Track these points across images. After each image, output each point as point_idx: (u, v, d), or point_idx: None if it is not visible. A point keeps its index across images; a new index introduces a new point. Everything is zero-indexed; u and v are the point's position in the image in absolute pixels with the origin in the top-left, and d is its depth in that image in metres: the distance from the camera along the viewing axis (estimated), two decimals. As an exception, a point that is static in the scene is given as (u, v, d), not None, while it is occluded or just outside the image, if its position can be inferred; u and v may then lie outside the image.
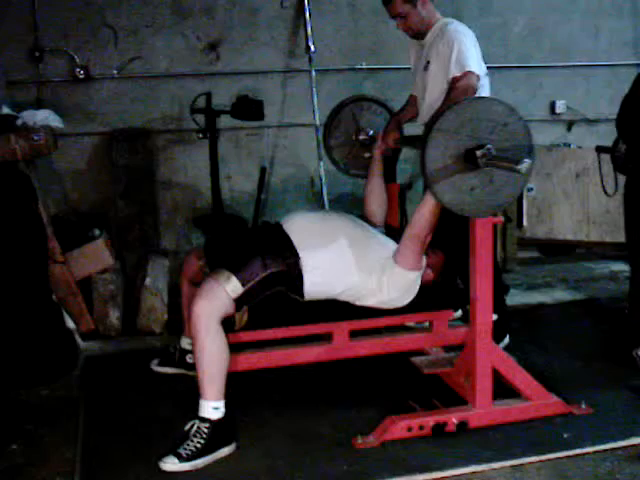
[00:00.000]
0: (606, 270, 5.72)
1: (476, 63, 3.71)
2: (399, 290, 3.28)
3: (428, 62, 3.89)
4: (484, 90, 3.83)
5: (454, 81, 3.68)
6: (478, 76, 3.70)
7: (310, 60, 5.44)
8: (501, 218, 3.36)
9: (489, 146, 2.85)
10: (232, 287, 3.04)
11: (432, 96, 3.88)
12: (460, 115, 2.89)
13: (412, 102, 4.15)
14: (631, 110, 3.82)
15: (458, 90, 3.61)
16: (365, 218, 3.74)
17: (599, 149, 4.15)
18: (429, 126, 2.89)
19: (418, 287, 3.33)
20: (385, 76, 5.48)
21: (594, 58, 6.10)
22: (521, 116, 2.96)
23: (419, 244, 3.21)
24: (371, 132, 4.07)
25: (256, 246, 3.25)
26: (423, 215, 3.15)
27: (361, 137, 4.10)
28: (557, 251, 6.16)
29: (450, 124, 2.87)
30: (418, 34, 3.97)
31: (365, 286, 3.26)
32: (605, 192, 4.25)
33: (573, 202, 5.93)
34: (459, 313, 3.85)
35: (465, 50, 3.70)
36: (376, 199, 3.83)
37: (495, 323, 3.40)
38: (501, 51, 5.87)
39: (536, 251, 6.21)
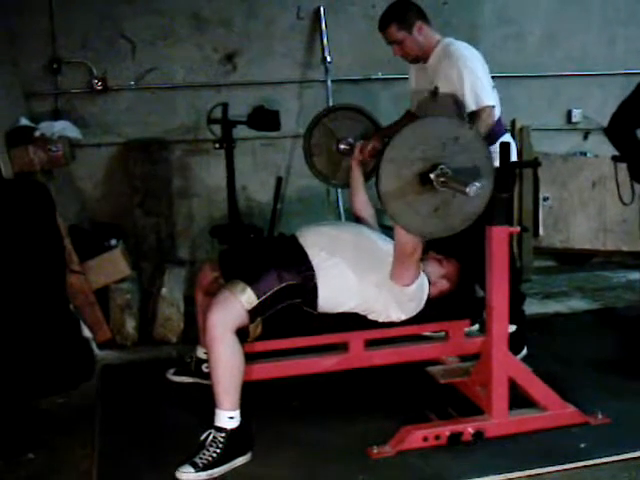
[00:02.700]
0: (623, 279, 5.69)
1: (489, 93, 3.72)
2: (401, 305, 3.29)
3: (436, 87, 3.86)
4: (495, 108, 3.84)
5: (471, 116, 3.70)
6: (493, 106, 3.72)
7: (326, 70, 5.46)
8: (517, 228, 3.36)
9: (442, 166, 2.82)
10: (247, 298, 3.04)
11: None
12: (408, 139, 2.85)
13: (407, 118, 4.14)
14: (628, 116, 3.83)
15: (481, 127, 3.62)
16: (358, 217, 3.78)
17: (615, 158, 4.14)
18: (379, 156, 2.86)
19: (424, 295, 3.34)
20: (401, 86, 5.46)
21: (610, 67, 6.08)
22: (471, 125, 2.93)
23: (408, 260, 3.18)
24: (350, 140, 4.01)
25: (271, 258, 3.26)
26: (401, 234, 3.11)
27: (341, 147, 4.04)
28: (573, 260, 6.14)
29: (399, 151, 2.83)
30: (417, 59, 3.97)
31: (375, 302, 3.26)
32: (622, 201, 4.24)
33: (589, 211, 5.91)
34: (476, 327, 3.84)
35: (477, 81, 3.70)
36: (364, 209, 3.83)
37: (514, 334, 3.40)
38: (517, 60, 5.87)
39: (552, 260, 6.19)
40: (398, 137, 2.84)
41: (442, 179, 2.82)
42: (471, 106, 3.71)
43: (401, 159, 2.83)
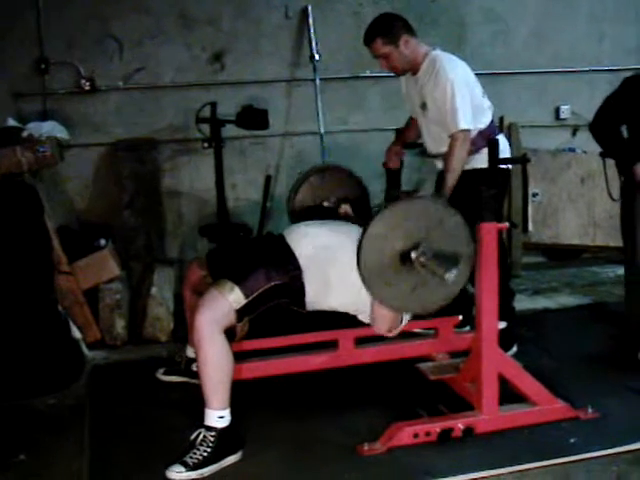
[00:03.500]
0: (612, 274, 5.71)
1: (467, 117, 3.74)
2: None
3: (424, 103, 3.90)
4: (484, 115, 3.88)
5: (451, 138, 3.76)
6: (468, 130, 3.75)
7: (314, 69, 5.46)
8: (506, 224, 3.37)
9: (423, 247, 2.88)
10: (235, 298, 3.04)
11: (435, 134, 3.96)
12: (392, 218, 2.92)
13: (412, 124, 4.18)
14: (612, 113, 3.85)
15: (452, 158, 3.73)
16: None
17: (604, 154, 4.16)
18: (362, 233, 2.90)
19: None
20: (390, 84, 5.48)
21: (598, 63, 6.10)
22: (456, 211, 2.98)
23: (388, 326, 3.23)
24: (333, 200, 3.99)
25: (259, 258, 3.26)
26: (378, 316, 3.17)
27: (325, 204, 4.01)
28: (563, 256, 6.15)
29: (382, 228, 2.89)
30: (404, 72, 3.98)
31: (364, 300, 3.26)
32: (610, 197, 4.26)
33: (578, 207, 5.92)
34: (467, 329, 3.85)
35: (457, 105, 3.72)
36: None
37: (504, 331, 3.41)
38: (505, 57, 5.89)
39: (541, 256, 6.20)
40: (383, 214, 2.91)
41: (422, 259, 2.88)
42: (450, 128, 3.76)
43: (384, 236, 2.89)
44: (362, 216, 3.81)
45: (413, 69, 3.92)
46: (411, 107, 4.10)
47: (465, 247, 2.99)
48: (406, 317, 3.32)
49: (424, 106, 3.90)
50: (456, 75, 3.77)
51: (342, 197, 3.98)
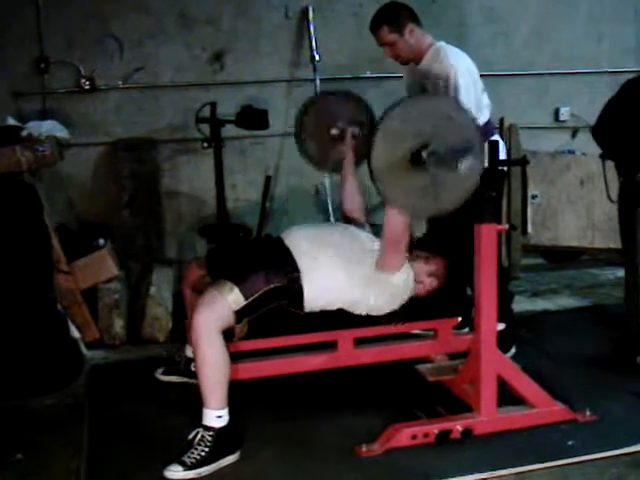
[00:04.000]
0: (611, 276, 5.71)
1: (470, 104, 3.64)
2: (384, 295, 3.31)
3: (425, 91, 3.89)
4: (481, 112, 3.86)
5: None
6: None
7: (314, 69, 5.46)
8: (506, 226, 3.37)
9: (434, 144, 2.83)
10: (234, 299, 3.05)
11: None
12: (403, 115, 2.86)
13: None
14: (615, 116, 3.85)
15: None
16: (350, 218, 3.78)
17: (603, 156, 4.16)
18: (373, 129, 2.87)
19: (409, 287, 3.36)
20: (390, 84, 5.48)
21: (597, 65, 6.10)
22: (466, 109, 2.95)
23: (396, 246, 3.22)
24: (342, 125, 3.98)
25: (259, 259, 3.26)
26: (391, 215, 3.14)
27: (332, 132, 4.01)
28: (562, 258, 6.15)
29: (393, 127, 2.84)
30: (408, 61, 3.98)
31: (361, 299, 3.28)
32: (610, 199, 4.25)
33: (577, 209, 5.92)
34: (466, 330, 3.85)
35: (459, 94, 3.70)
36: (352, 199, 3.84)
37: (502, 333, 3.41)
38: (505, 58, 5.88)
39: (541, 258, 6.20)
40: (392, 112, 2.85)
41: (432, 158, 2.83)
42: None
43: (394, 135, 2.83)
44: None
45: (417, 59, 3.94)
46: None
47: (476, 140, 2.92)
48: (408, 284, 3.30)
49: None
50: (460, 65, 3.78)
51: (349, 120, 3.98)
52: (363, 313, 3.32)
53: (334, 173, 4.01)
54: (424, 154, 2.83)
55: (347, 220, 3.79)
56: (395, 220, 3.14)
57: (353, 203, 3.81)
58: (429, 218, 4.26)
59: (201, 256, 3.66)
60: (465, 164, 2.83)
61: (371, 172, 2.84)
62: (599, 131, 3.98)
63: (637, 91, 3.86)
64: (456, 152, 2.87)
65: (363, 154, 3.88)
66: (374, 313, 3.34)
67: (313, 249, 3.29)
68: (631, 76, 4.04)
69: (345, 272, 3.25)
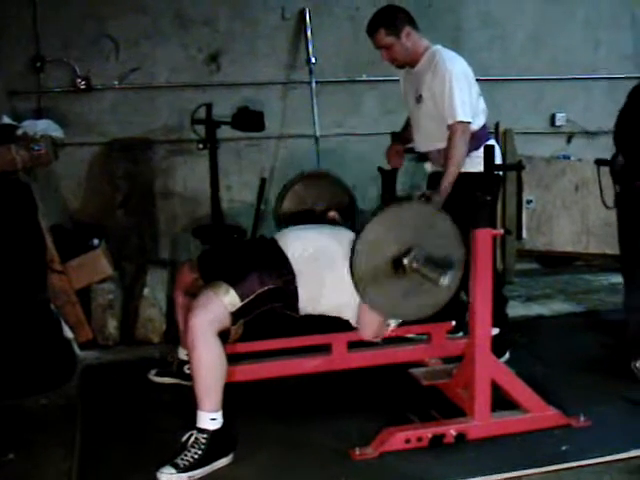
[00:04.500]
0: (605, 282, 5.72)
1: (466, 109, 3.74)
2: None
3: (420, 95, 3.90)
4: (477, 117, 3.86)
5: (449, 130, 3.76)
6: (468, 122, 3.75)
7: (310, 72, 5.46)
8: (501, 230, 3.37)
9: (415, 252, 2.91)
10: (230, 300, 3.03)
11: (427, 129, 3.95)
12: (384, 224, 2.95)
13: (409, 127, 4.18)
14: (628, 123, 3.84)
15: (453, 150, 3.71)
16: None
17: (598, 162, 4.16)
18: (355, 238, 2.94)
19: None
20: (385, 88, 5.49)
21: (594, 71, 6.13)
22: (447, 216, 3.01)
23: (373, 335, 3.30)
24: (320, 207, 3.97)
25: (253, 261, 3.25)
26: (367, 317, 3.20)
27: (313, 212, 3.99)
28: (556, 263, 6.16)
29: (375, 234, 2.92)
30: (404, 64, 3.98)
31: (347, 301, 3.27)
32: (604, 204, 4.25)
33: (572, 214, 5.93)
34: (460, 334, 3.85)
35: (456, 97, 3.72)
36: None
37: (496, 337, 3.41)
38: (501, 63, 5.90)
39: (535, 263, 6.20)
40: (374, 220, 2.93)
41: (414, 265, 2.91)
42: (448, 119, 3.76)
43: (376, 242, 2.92)
44: (350, 223, 3.83)
45: (413, 62, 3.93)
46: (407, 102, 4.10)
47: (457, 251, 3.01)
48: (393, 323, 3.33)
49: (419, 98, 3.90)
50: (455, 68, 3.78)
51: (329, 204, 3.97)
52: (351, 320, 3.32)
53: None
54: (405, 260, 2.91)
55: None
56: (372, 319, 3.20)
57: None
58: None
59: (193, 258, 3.64)
60: (446, 278, 2.88)
61: (353, 278, 2.92)
62: (619, 139, 3.94)
63: None
64: (438, 263, 2.93)
65: None
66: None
67: (308, 251, 3.28)
68: (629, 82, 4.03)
69: (339, 274, 3.24)
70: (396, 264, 2.92)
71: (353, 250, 2.89)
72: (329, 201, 3.98)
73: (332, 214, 3.88)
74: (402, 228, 2.94)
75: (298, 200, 4.01)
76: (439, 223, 2.99)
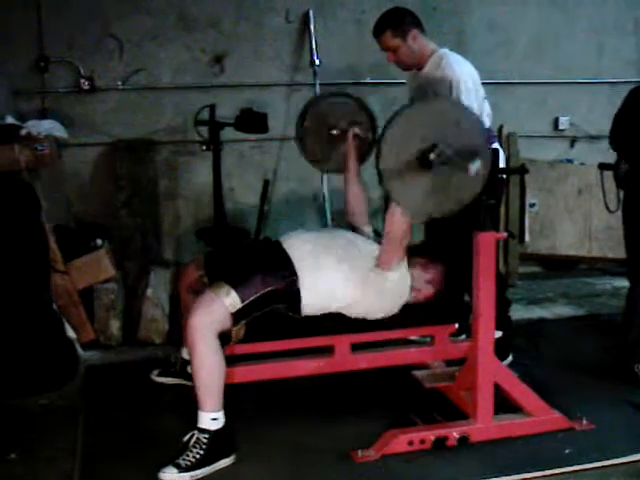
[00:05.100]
0: (608, 286, 5.72)
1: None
2: (378, 298, 3.30)
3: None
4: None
5: None
6: None
7: (315, 74, 5.46)
8: (504, 234, 3.37)
9: (442, 147, 2.85)
10: (231, 301, 3.03)
11: None
12: (411, 118, 2.90)
13: None
14: (624, 125, 3.84)
15: None
16: (353, 223, 3.77)
17: (602, 166, 4.16)
18: (382, 131, 2.89)
19: (405, 292, 3.35)
20: (390, 91, 5.49)
21: (597, 75, 6.12)
22: (473, 113, 2.97)
23: (397, 246, 3.22)
24: (343, 126, 3.94)
25: (256, 262, 3.25)
26: (395, 217, 3.14)
27: (333, 132, 3.97)
28: (559, 266, 6.16)
29: (401, 129, 2.87)
30: (410, 67, 3.98)
31: (358, 303, 3.28)
32: (607, 208, 4.25)
33: (575, 218, 5.94)
34: (463, 337, 3.85)
35: (463, 99, 3.68)
36: (355, 201, 3.81)
37: (499, 340, 3.40)
38: (505, 67, 5.89)
39: (538, 266, 6.21)
40: (400, 116, 2.87)
41: (441, 159, 2.84)
42: None
43: (402, 137, 2.86)
44: (371, 138, 3.87)
45: (419, 65, 3.94)
46: None
47: (482, 144, 2.95)
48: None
49: None
50: (462, 72, 3.78)
51: (350, 122, 3.95)
52: (359, 316, 3.31)
53: (338, 173, 3.99)
54: (432, 156, 2.84)
55: (350, 226, 3.77)
56: (399, 220, 3.13)
57: (357, 205, 3.79)
58: (427, 225, 4.26)
59: (199, 257, 3.64)
60: (473, 166, 2.85)
61: (379, 173, 2.87)
62: (615, 141, 3.95)
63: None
64: (464, 155, 2.88)
65: (365, 154, 3.90)
66: (369, 317, 3.33)
67: (311, 253, 3.28)
68: (632, 87, 4.03)
69: (342, 277, 3.25)
70: (422, 160, 2.86)
71: (379, 144, 2.85)
72: (350, 119, 3.96)
73: (354, 130, 3.88)
74: (427, 124, 2.88)
75: (318, 119, 4.00)
76: (462, 117, 2.94)
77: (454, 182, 2.92)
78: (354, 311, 3.30)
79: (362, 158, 3.91)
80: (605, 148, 5.62)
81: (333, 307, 3.28)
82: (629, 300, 3.97)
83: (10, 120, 4.51)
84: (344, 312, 3.30)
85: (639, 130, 3.79)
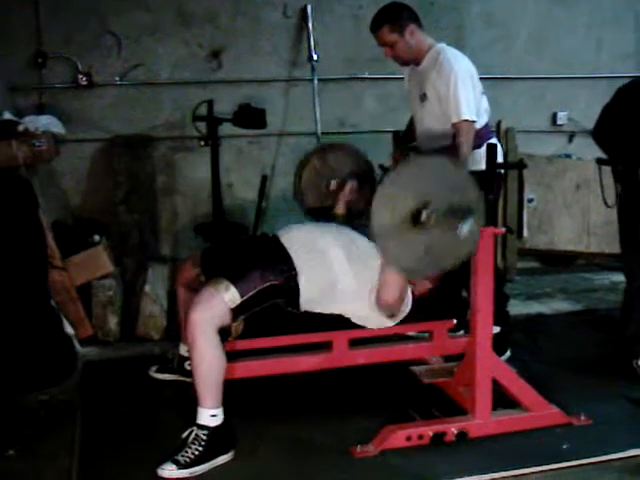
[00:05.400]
0: (606, 281, 5.73)
1: (471, 108, 3.74)
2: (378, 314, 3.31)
3: (424, 94, 3.90)
4: (480, 116, 3.86)
5: (454, 128, 3.76)
6: (473, 121, 3.75)
7: (312, 69, 5.45)
8: (502, 229, 3.37)
9: (433, 205, 2.86)
10: (230, 297, 3.03)
11: (430, 127, 3.95)
12: (402, 177, 2.91)
13: (412, 126, 4.18)
14: (611, 123, 3.85)
15: (460, 146, 3.70)
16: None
17: (600, 161, 4.16)
18: (374, 194, 2.89)
19: (407, 308, 3.36)
20: (387, 86, 5.49)
21: (596, 70, 6.11)
22: (462, 167, 2.99)
23: (397, 302, 3.25)
24: (333, 182, 3.98)
25: (255, 257, 3.25)
26: (389, 277, 3.17)
27: (331, 187, 4.00)
28: (557, 262, 6.16)
29: (393, 188, 2.88)
30: (408, 62, 3.98)
31: (358, 303, 3.27)
32: (606, 203, 4.25)
33: (573, 213, 5.94)
34: (461, 333, 3.85)
35: (461, 96, 3.72)
36: None
37: (498, 336, 3.40)
38: (503, 62, 5.89)
39: (536, 261, 6.21)
40: (393, 174, 2.90)
41: (433, 218, 2.85)
42: (453, 117, 3.75)
43: (394, 196, 2.86)
44: (369, 191, 3.85)
45: (417, 60, 3.93)
46: (411, 100, 4.09)
47: (476, 201, 2.95)
48: (407, 304, 3.32)
49: (424, 97, 3.90)
50: (460, 67, 3.78)
51: (347, 174, 3.97)
52: (360, 324, 3.32)
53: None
54: (424, 214, 2.85)
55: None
56: (394, 279, 3.16)
57: None
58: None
59: (196, 254, 3.63)
60: (465, 227, 2.86)
61: (372, 232, 2.88)
62: (599, 135, 3.98)
63: (631, 96, 3.86)
64: (457, 214, 2.89)
65: (361, 207, 3.90)
66: (365, 324, 3.35)
67: (310, 248, 3.28)
68: (627, 80, 4.04)
69: (341, 273, 3.24)
70: (415, 218, 2.86)
71: (372, 207, 2.85)
72: (347, 172, 3.99)
73: (351, 183, 3.90)
74: (419, 182, 2.89)
75: (315, 173, 4.02)
76: (455, 174, 2.94)
77: (447, 241, 2.92)
78: (357, 319, 3.31)
79: (360, 214, 3.92)
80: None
81: (333, 306, 3.27)
82: (626, 295, 3.98)
83: (8, 116, 4.51)
84: (347, 316, 3.31)
85: (627, 128, 3.80)
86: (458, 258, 2.99)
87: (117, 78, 5.28)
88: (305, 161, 4.07)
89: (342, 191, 3.91)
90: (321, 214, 3.94)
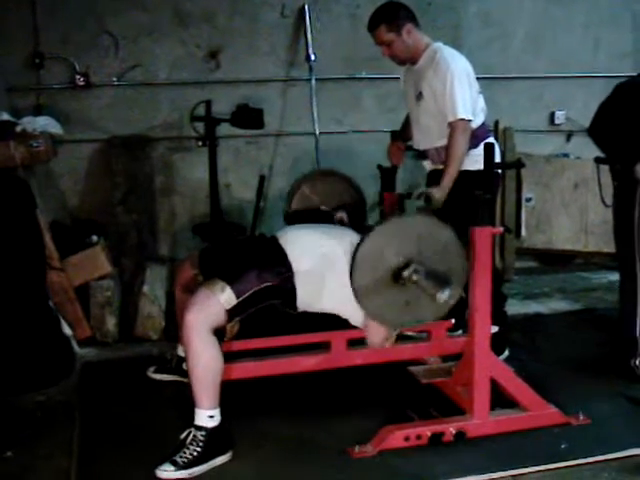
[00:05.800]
0: (604, 280, 5.73)
1: (467, 107, 3.73)
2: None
3: (420, 93, 3.89)
4: (477, 115, 3.85)
5: (450, 127, 3.75)
6: (468, 120, 3.74)
7: (310, 69, 5.46)
8: (500, 228, 3.37)
9: (415, 265, 2.91)
10: (226, 298, 3.02)
11: (426, 126, 3.95)
12: (385, 236, 2.95)
13: (408, 124, 4.17)
14: (608, 120, 3.85)
15: (453, 147, 3.70)
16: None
17: (598, 160, 4.16)
18: (355, 249, 2.93)
19: None
20: (385, 86, 5.49)
21: (593, 69, 6.11)
22: (449, 229, 3.01)
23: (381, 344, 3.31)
24: (328, 208, 3.97)
25: (251, 258, 3.24)
26: (372, 330, 3.24)
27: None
28: (555, 261, 6.17)
29: (375, 246, 2.93)
30: (405, 61, 3.98)
31: (354, 306, 3.26)
32: (604, 203, 4.25)
33: (571, 212, 5.94)
34: (459, 332, 3.85)
35: (457, 95, 3.71)
36: None
37: (496, 335, 3.40)
38: (501, 62, 5.90)
39: (534, 261, 6.21)
40: (375, 232, 2.94)
41: (414, 278, 2.92)
42: (449, 116, 3.75)
43: (376, 254, 2.93)
44: (359, 222, 3.84)
45: (413, 59, 3.93)
46: (407, 99, 4.10)
47: (457, 264, 3.02)
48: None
49: (420, 96, 3.90)
50: (457, 66, 3.77)
51: (337, 204, 3.97)
52: (350, 319, 3.32)
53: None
54: (405, 273, 2.92)
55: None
56: (377, 331, 3.22)
57: None
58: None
59: (194, 254, 3.63)
60: (444, 295, 2.91)
61: (353, 289, 2.94)
62: (595, 132, 3.98)
63: (627, 95, 3.86)
64: (437, 279, 2.94)
65: None
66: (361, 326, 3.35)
67: (308, 250, 3.27)
68: (624, 79, 4.04)
69: (339, 275, 3.23)
70: (396, 276, 2.94)
71: (353, 261, 2.91)
72: (337, 201, 3.99)
73: (340, 215, 3.88)
74: (403, 240, 2.95)
75: (305, 201, 4.02)
76: (440, 236, 2.99)
77: (426, 297, 2.98)
78: (354, 321, 3.31)
79: None
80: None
81: (330, 307, 3.27)
82: (621, 294, 3.98)
83: (5, 117, 4.50)
84: (344, 317, 3.31)
85: (624, 126, 3.80)
86: (437, 315, 3.12)
87: (115, 78, 5.28)
88: (295, 187, 4.06)
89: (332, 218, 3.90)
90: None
